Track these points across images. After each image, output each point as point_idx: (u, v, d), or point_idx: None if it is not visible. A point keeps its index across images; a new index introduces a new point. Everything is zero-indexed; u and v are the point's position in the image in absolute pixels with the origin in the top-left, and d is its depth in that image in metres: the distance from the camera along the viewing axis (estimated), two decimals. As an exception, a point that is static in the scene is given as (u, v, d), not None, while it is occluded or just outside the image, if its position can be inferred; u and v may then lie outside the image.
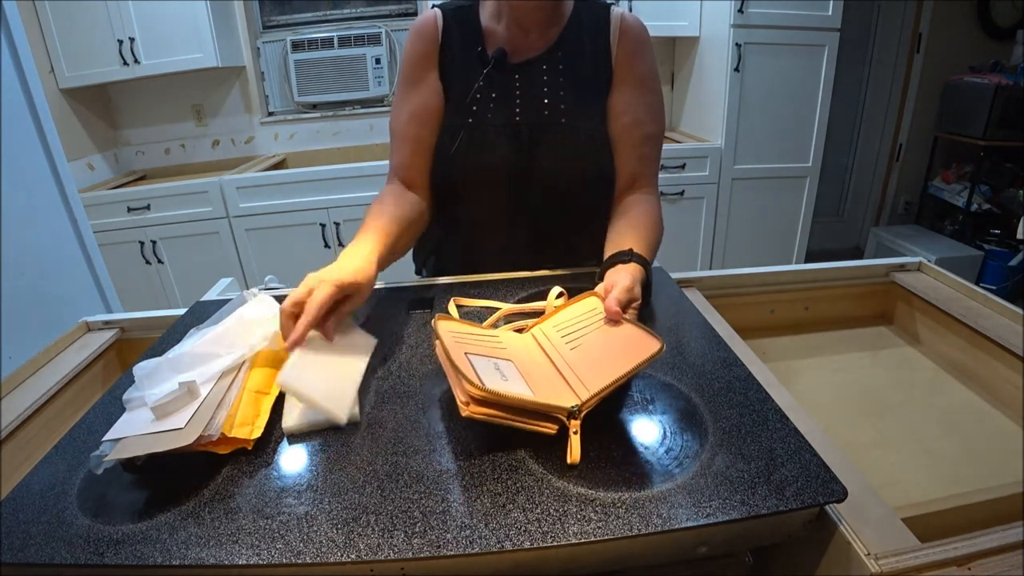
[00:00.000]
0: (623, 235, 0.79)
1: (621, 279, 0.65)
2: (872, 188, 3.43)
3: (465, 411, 0.48)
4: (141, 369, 0.57)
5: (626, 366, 0.52)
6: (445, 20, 0.89)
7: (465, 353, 0.56)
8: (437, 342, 0.60)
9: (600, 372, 0.54)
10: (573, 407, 0.50)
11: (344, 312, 0.65)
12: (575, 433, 0.49)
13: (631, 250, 0.72)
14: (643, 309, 0.71)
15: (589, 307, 0.66)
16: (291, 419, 0.55)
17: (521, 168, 0.87)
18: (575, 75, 0.88)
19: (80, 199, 1.33)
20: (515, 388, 0.52)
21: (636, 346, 0.55)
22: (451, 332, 0.61)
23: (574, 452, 0.48)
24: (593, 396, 0.51)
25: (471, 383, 0.48)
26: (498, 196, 0.89)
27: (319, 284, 0.62)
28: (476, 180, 0.88)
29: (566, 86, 0.87)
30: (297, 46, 2.66)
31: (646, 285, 0.71)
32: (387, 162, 0.93)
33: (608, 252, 0.76)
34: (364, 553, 0.41)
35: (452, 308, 0.77)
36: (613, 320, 0.61)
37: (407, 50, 0.90)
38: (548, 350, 0.63)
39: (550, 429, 0.51)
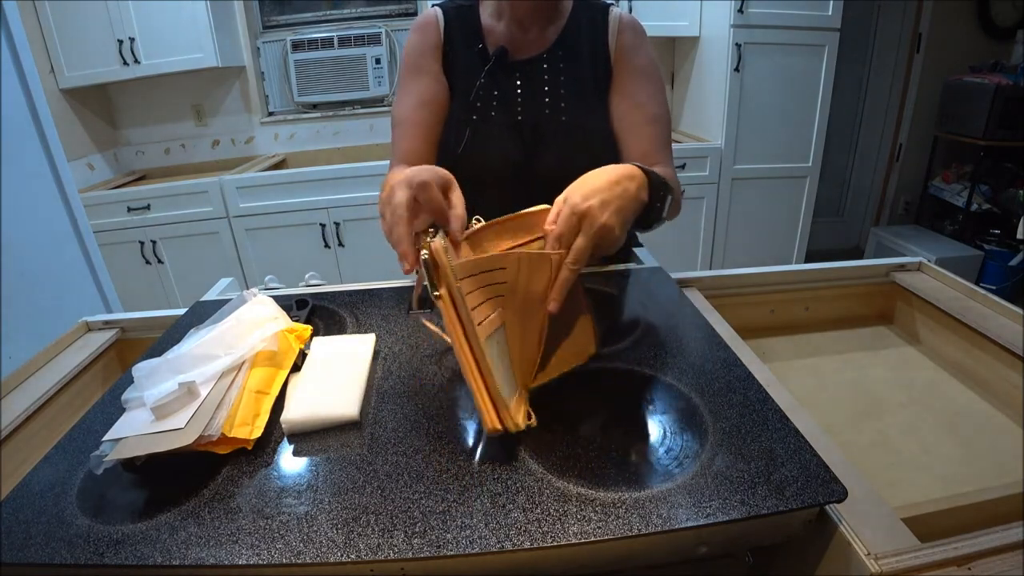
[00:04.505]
0: None
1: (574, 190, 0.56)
2: (872, 188, 3.43)
3: (494, 429, 0.49)
4: (140, 370, 0.57)
5: (563, 364, 0.59)
6: (446, 18, 0.90)
7: (487, 338, 0.51)
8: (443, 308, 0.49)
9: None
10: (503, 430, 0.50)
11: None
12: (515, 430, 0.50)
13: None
14: (650, 307, 0.67)
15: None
16: (292, 413, 0.55)
17: (523, 166, 0.87)
18: (575, 74, 0.88)
19: (80, 199, 1.33)
20: (501, 380, 0.51)
21: (577, 340, 0.61)
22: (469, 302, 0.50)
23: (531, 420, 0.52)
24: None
25: (509, 415, 0.49)
26: (500, 194, 0.89)
27: (400, 184, 0.54)
28: (480, 178, 0.88)
29: (566, 85, 0.88)
30: (297, 46, 2.66)
31: (654, 195, 0.64)
32: (388, 162, 0.93)
33: None
34: (364, 553, 0.41)
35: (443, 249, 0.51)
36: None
37: (410, 44, 0.91)
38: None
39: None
